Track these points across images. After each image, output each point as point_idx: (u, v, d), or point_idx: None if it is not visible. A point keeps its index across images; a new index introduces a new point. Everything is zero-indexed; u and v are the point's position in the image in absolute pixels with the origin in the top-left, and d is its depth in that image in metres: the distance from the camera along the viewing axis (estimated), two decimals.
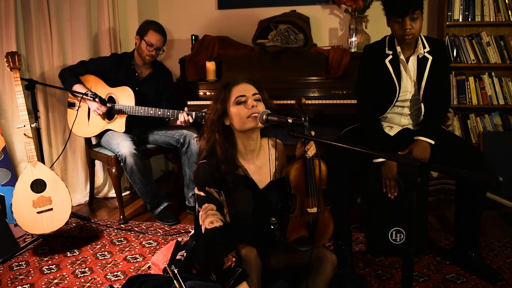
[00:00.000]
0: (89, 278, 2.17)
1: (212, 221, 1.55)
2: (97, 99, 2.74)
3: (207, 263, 1.63)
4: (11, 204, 2.41)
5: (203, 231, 1.56)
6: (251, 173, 1.72)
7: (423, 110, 2.23)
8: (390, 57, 2.21)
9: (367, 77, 2.28)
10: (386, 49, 2.23)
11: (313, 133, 1.60)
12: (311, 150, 1.69)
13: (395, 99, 2.24)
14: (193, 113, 2.71)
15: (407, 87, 2.24)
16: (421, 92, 2.20)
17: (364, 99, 2.30)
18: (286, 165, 1.79)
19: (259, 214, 1.71)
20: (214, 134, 1.68)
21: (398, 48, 2.19)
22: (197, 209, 1.65)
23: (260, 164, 1.75)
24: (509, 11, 3.18)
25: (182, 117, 2.71)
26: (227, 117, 1.68)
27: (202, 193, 1.63)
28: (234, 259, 1.48)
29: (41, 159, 2.69)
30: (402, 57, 2.20)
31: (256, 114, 1.61)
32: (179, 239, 2.44)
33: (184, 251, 1.89)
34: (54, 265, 2.31)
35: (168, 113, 2.78)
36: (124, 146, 2.73)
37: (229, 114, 1.66)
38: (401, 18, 2.06)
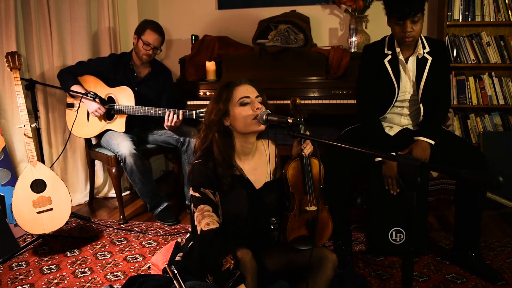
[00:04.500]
0: (89, 278, 2.17)
1: (208, 223, 1.55)
2: (97, 99, 2.74)
3: (203, 265, 1.62)
4: (11, 204, 2.41)
5: (198, 233, 1.56)
6: (246, 173, 1.71)
7: (422, 111, 2.24)
8: (389, 57, 2.21)
9: (367, 77, 2.28)
10: (386, 49, 2.23)
11: (307, 133, 1.60)
12: (307, 148, 1.69)
13: (394, 99, 2.24)
14: (194, 112, 2.71)
15: (406, 87, 2.24)
16: (420, 93, 2.21)
17: (364, 100, 2.30)
18: (279, 167, 1.80)
19: (255, 215, 1.71)
20: (212, 134, 1.67)
21: (398, 49, 2.19)
22: (192, 210, 1.63)
23: (255, 164, 1.75)
24: (509, 11, 3.18)
25: (171, 116, 2.72)
26: (227, 118, 1.66)
27: (197, 194, 1.61)
28: (232, 261, 1.48)
29: (41, 159, 2.69)
30: (401, 57, 2.20)
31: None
32: (179, 239, 2.44)
33: (182, 253, 1.88)
34: (54, 265, 2.31)
35: (169, 112, 2.77)
36: (123, 146, 2.73)
37: (232, 114, 1.65)
38: (402, 21, 2.06)
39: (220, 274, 1.47)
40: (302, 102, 2.94)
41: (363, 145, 1.71)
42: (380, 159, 2.17)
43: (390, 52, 2.21)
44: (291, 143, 1.76)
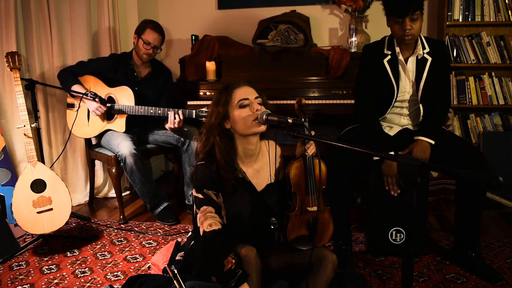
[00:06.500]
0: (89, 278, 2.17)
1: (211, 224, 1.55)
2: (97, 99, 2.74)
3: (206, 266, 1.63)
4: (11, 204, 2.41)
5: (201, 234, 1.56)
6: (249, 176, 1.71)
7: (421, 111, 2.24)
8: (389, 57, 2.21)
9: (365, 77, 2.29)
10: (385, 49, 2.23)
11: (313, 133, 1.60)
12: (311, 149, 1.69)
13: (394, 100, 2.24)
14: (193, 111, 2.71)
15: (405, 88, 2.24)
16: (419, 93, 2.21)
17: (362, 99, 2.30)
18: (283, 168, 1.80)
19: (257, 216, 1.71)
20: (214, 138, 1.66)
21: (397, 49, 2.19)
22: (195, 211, 1.64)
23: (258, 167, 1.74)
24: (509, 11, 3.18)
25: (172, 116, 2.72)
26: (228, 120, 1.66)
27: (200, 195, 1.62)
28: (233, 260, 1.48)
29: (41, 159, 2.69)
30: (400, 57, 2.20)
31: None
32: (179, 239, 2.44)
33: (183, 252, 1.88)
34: (54, 265, 2.31)
35: (169, 112, 2.77)
36: (124, 146, 2.73)
37: (232, 117, 1.64)
38: (401, 19, 2.06)
39: (223, 275, 1.48)
40: None
41: (363, 145, 1.71)
42: (378, 158, 2.16)
43: (389, 52, 2.21)
44: (291, 142, 1.76)
